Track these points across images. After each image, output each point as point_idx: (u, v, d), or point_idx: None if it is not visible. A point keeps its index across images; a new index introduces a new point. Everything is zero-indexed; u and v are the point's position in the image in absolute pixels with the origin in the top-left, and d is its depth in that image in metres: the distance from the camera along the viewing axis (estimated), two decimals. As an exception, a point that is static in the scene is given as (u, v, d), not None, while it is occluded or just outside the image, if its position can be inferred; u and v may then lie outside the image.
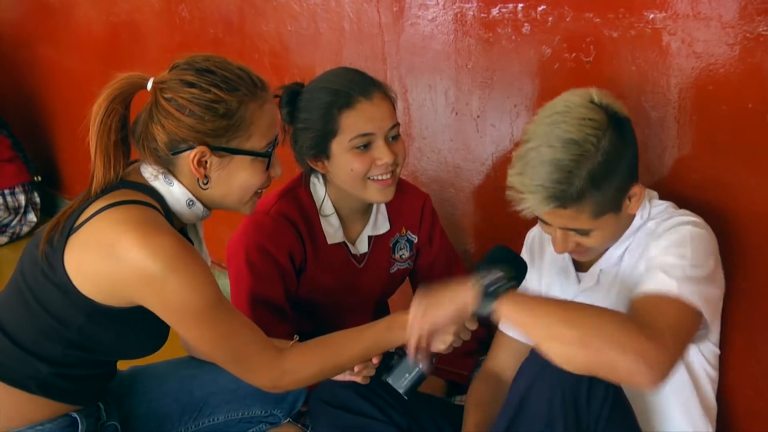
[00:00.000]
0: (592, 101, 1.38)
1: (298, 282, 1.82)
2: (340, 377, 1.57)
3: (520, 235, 1.75)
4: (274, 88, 1.62)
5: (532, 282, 1.68)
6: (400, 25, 2.12)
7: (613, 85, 1.51)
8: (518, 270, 1.46)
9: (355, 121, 1.65)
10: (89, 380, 1.47)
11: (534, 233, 1.71)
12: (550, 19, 1.79)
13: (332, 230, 1.80)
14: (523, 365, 1.39)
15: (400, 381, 1.47)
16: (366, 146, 1.66)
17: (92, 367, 1.46)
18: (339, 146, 1.67)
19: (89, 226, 1.33)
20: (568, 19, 1.75)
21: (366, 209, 1.85)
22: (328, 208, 1.79)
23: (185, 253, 1.31)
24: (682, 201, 1.56)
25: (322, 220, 1.79)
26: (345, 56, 2.27)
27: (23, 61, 3.86)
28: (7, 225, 3.54)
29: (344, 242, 1.83)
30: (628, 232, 1.51)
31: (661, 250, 1.38)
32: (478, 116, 2.02)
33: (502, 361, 1.72)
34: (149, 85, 1.37)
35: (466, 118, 2.05)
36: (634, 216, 1.49)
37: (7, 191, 3.54)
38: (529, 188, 1.36)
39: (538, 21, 1.81)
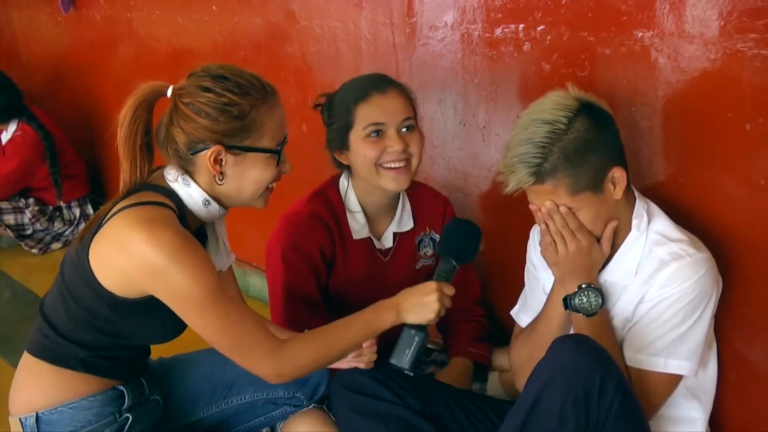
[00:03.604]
0: (566, 93, 1.50)
1: (328, 275, 1.90)
2: (344, 364, 1.63)
3: (524, 235, 1.80)
4: (318, 95, 1.82)
5: (547, 280, 1.71)
6: (413, 45, 2.20)
7: (606, 98, 1.57)
8: (467, 249, 1.66)
9: (368, 112, 1.79)
10: (125, 360, 1.58)
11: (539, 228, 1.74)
12: (549, 38, 1.86)
13: (358, 226, 1.89)
14: (538, 365, 1.42)
15: (403, 358, 1.53)
16: (378, 134, 1.79)
17: (125, 350, 1.57)
18: (356, 136, 1.80)
19: (109, 224, 1.42)
20: (565, 38, 1.83)
21: (391, 206, 1.94)
22: (354, 204, 1.89)
23: (187, 246, 1.39)
24: (669, 203, 1.62)
25: (348, 216, 1.89)
26: (362, 74, 2.34)
27: (81, 87, 4.07)
28: (61, 234, 3.82)
29: (370, 237, 1.92)
30: (626, 242, 1.55)
31: (659, 308, 1.51)
32: (484, 127, 2.09)
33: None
34: (169, 92, 1.48)
35: (473, 128, 2.12)
36: (621, 204, 1.52)
37: (64, 205, 3.82)
38: (511, 167, 1.47)
39: (537, 40, 1.89)
